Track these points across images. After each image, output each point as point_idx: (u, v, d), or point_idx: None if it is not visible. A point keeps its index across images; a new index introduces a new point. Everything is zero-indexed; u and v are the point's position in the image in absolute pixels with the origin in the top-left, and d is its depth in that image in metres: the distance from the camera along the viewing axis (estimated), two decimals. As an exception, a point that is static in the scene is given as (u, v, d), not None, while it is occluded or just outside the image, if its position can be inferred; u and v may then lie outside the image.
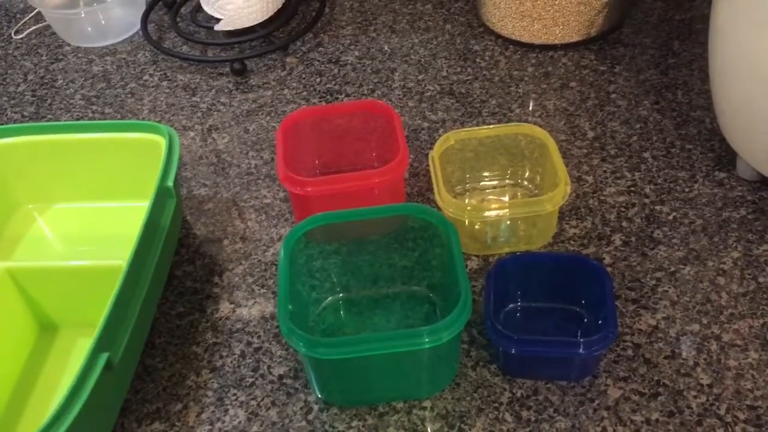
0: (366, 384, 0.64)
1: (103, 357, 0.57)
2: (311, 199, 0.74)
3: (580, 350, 0.60)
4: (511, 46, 1.00)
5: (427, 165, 0.84)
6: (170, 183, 0.70)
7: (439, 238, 0.68)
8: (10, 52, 1.10)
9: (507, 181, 0.80)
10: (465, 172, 0.80)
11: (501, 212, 0.71)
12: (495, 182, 0.81)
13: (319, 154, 0.83)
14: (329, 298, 0.72)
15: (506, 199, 0.80)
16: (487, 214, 0.71)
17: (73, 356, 0.69)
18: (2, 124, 0.95)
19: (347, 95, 0.95)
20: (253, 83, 0.99)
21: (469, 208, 0.71)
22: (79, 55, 1.07)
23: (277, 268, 0.75)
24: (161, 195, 0.69)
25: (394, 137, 0.77)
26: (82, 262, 0.66)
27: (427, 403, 0.64)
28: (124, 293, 0.61)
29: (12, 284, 0.67)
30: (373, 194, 0.74)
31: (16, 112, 0.98)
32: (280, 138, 0.77)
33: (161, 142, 0.75)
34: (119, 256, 0.68)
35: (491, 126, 0.79)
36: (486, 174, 0.80)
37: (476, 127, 0.79)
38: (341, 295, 0.72)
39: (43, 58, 1.07)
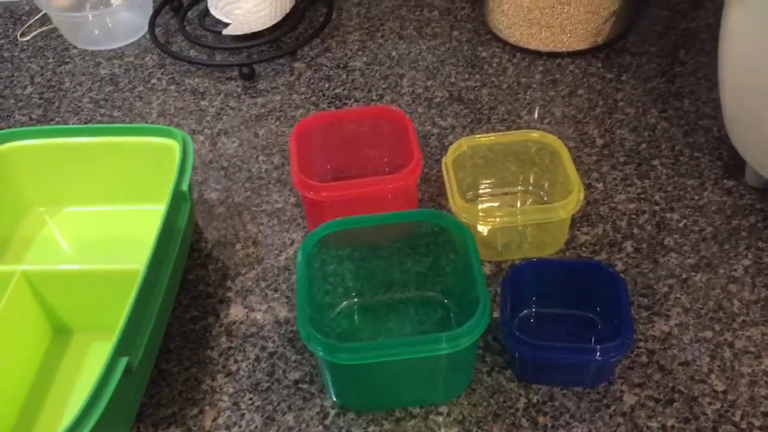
0: (383, 389, 0.64)
1: (123, 361, 0.57)
2: (325, 204, 0.74)
3: (597, 356, 0.61)
4: (518, 54, 1.01)
5: (438, 171, 0.84)
6: (185, 187, 0.70)
7: (453, 243, 0.69)
8: (17, 54, 1.09)
9: (518, 187, 0.81)
10: (476, 179, 0.80)
11: (514, 218, 0.72)
12: (506, 189, 0.81)
13: (331, 160, 0.83)
14: (343, 303, 0.72)
15: (517, 205, 0.81)
16: (500, 220, 0.71)
17: (87, 360, 0.68)
18: (11, 127, 0.95)
19: (356, 101, 0.96)
20: (262, 88, 0.99)
21: (482, 214, 0.71)
22: (86, 58, 1.07)
23: (291, 273, 0.76)
24: (176, 199, 0.69)
25: (406, 143, 0.77)
26: (99, 266, 0.66)
27: (444, 409, 0.65)
28: (142, 297, 0.61)
29: (27, 288, 0.66)
30: (387, 200, 0.74)
31: (23, 115, 0.98)
32: (293, 143, 0.77)
33: (174, 146, 0.75)
34: (130, 260, 0.68)
35: (503, 132, 0.80)
36: (497, 180, 0.81)
37: (488, 134, 0.79)
38: (356, 300, 0.72)
39: (50, 60, 1.07)
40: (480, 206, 0.80)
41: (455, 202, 0.72)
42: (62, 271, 0.67)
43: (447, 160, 0.76)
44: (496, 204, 0.81)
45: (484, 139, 0.78)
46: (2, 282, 0.65)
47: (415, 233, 0.71)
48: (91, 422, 0.53)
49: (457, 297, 0.71)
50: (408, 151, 0.76)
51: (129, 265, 0.65)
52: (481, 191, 0.81)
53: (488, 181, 0.81)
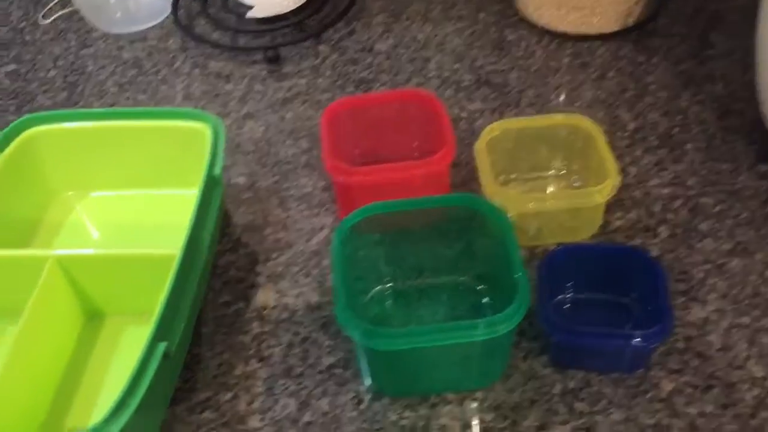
0: (419, 374, 0.63)
1: (162, 346, 0.57)
2: (357, 188, 0.74)
3: (637, 342, 0.60)
4: (546, 36, 0.99)
5: (467, 155, 0.83)
6: (218, 171, 0.70)
7: (488, 228, 0.68)
8: (38, 37, 1.08)
9: (550, 172, 0.80)
10: (508, 163, 0.79)
11: (549, 203, 0.71)
12: (538, 173, 0.80)
13: (360, 144, 0.82)
14: (375, 288, 0.72)
15: (549, 190, 0.80)
16: (536, 204, 0.70)
17: (120, 345, 0.68)
18: (35, 111, 0.94)
19: (382, 84, 0.95)
20: (287, 71, 0.98)
21: (518, 199, 0.70)
22: (109, 41, 1.06)
23: (321, 258, 0.75)
24: (210, 183, 0.69)
25: (437, 127, 0.76)
26: (134, 250, 0.66)
27: (479, 395, 0.64)
28: (179, 282, 0.61)
29: (61, 273, 0.66)
30: (420, 184, 0.74)
31: (48, 98, 0.97)
32: (324, 126, 0.76)
33: (204, 130, 0.75)
34: (159, 245, 0.68)
35: (535, 116, 0.79)
36: (529, 165, 0.80)
37: (520, 118, 0.78)
38: (387, 285, 0.72)
39: (72, 43, 1.06)
40: (511, 191, 0.79)
41: (489, 187, 0.71)
42: (96, 255, 0.67)
43: (479, 144, 0.75)
44: (527, 189, 0.80)
45: (515, 123, 0.77)
46: (36, 267, 0.65)
47: (448, 218, 0.70)
48: (131, 408, 0.53)
49: (491, 282, 0.70)
50: (439, 136, 0.75)
51: (164, 250, 0.64)
52: (512, 176, 0.80)
53: (520, 166, 0.80)
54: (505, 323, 0.58)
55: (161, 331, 0.57)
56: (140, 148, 0.78)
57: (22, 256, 0.67)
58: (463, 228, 0.70)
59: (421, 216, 0.70)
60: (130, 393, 0.53)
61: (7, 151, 0.74)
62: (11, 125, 0.76)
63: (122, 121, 0.77)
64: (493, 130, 0.76)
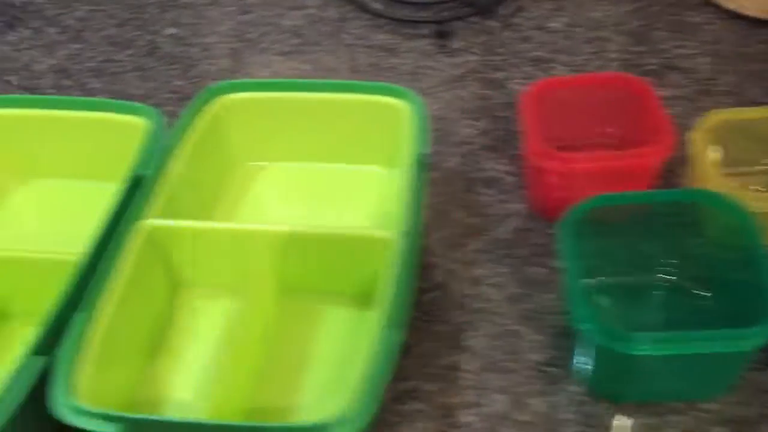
0: (647, 380, 0.60)
1: (395, 335, 0.54)
2: (557, 175, 0.70)
3: None
4: (734, 20, 0.93)
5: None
6: (427, 150, 0.66)
7: (698, 225, 0.64)
8: (194, 1, 1.06)
9: (760, 167, 0.75)
10: (727, 155, 0.74)
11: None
12: (742, 168, 0.75)
13: (555, 127, 0.77)
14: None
15: (753, 187, 0.75)
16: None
17: (322, 325, 0.65)
18: (200, 77, 0.93)
19: (561, 65, 0.90)
20: (456, 47, 0.94)
21: (752, 197, 0.65)
22: (267, 7, 1.03)
23: (514, 247, 0.72)
24: (418, 163, 0.65)
25: (644, 115, 0.72)
26: (349, 229, 0.63)
27: (709, 406, 0.60)
28: (403, 266, 0.58)
29: (269, 248, 0.63)
30: (634, 175, 0.69)
31: (210, 64, 0.95)
32: (526, 108, 0.72)
33: (400, 106, 0.71)
34: (347, 222, 0.66)
35: (753, 108, 0.73)
36: (740, 159, 0.74)
37: (735, 108, 0.73)
38: (593, 280, 0.68)
39: (231, 8, 1.03)
40: (741, 188, 0.73)
41: (714, 181, 0.66)
42: (307, 233, 0.63)
43: (696, 134, 0.70)
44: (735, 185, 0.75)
45: (733, 113, 0.72)
46: (243, 241, 0.63)
47: (659, 213, 0.66)
48: (376, 398, 0.50)
49: (710, 285, 0.65)
50: (646, 124, 0.71)
51: (380, 231, 0.61)
52: (728, 170, 0.74)
53: (727, 160, 0.75)
54: (758, 337, 0.53)
55: (392, 320, 0.54)
56: (330, 121, 0.75)
57: (232, 230, 0.65)
58: (675, 224, 0.66)
59: (632, 210, 0.66)
60: (372, 383, 0.51)
61: (203, 119, 0.72)
62: (203, 93, 0.73)
63: (313, 93, 0.74)
64: (710, 120, 0.71)
